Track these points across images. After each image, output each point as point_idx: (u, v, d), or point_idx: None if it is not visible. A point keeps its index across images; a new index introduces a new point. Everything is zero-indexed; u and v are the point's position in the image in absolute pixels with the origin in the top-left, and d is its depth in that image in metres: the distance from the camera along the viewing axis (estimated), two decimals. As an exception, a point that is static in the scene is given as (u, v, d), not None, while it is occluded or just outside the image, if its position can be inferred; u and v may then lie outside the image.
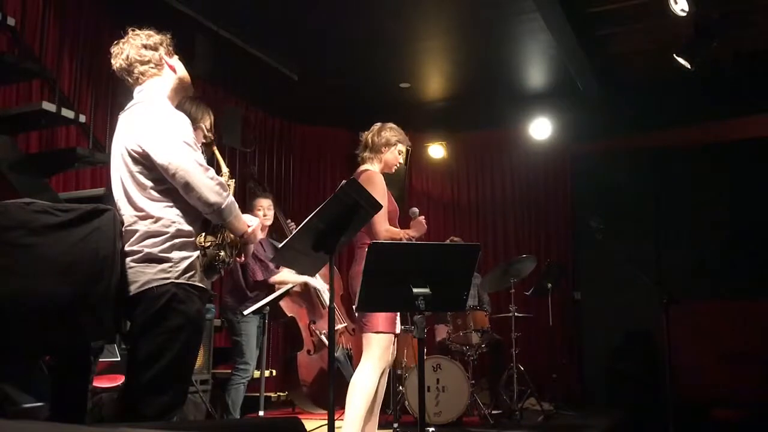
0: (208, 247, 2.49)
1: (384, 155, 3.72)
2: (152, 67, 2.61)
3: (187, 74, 2.72)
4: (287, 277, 4.86)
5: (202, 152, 2.78)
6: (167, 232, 2.44)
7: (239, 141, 6.56)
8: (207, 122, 3.20)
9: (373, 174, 3.63)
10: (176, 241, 2.44)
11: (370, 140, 3.75)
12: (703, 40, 5.28)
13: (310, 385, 5.03)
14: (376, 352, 3.43)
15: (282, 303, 4.95)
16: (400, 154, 3.77)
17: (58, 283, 2.29)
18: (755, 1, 5.41)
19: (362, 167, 3.73)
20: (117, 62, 2.63)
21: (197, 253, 2.48)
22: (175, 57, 2.69)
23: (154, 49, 2.62)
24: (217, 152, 2.86)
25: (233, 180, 2.73)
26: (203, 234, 2.50)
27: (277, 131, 7.67)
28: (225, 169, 2.74)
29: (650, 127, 6.82)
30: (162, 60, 2.63)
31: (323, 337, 5.10)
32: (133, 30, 2.66)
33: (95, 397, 3.88)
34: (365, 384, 3.38)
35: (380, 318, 3.41)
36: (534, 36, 5.92)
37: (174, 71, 2.66)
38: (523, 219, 7.66)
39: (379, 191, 3.49)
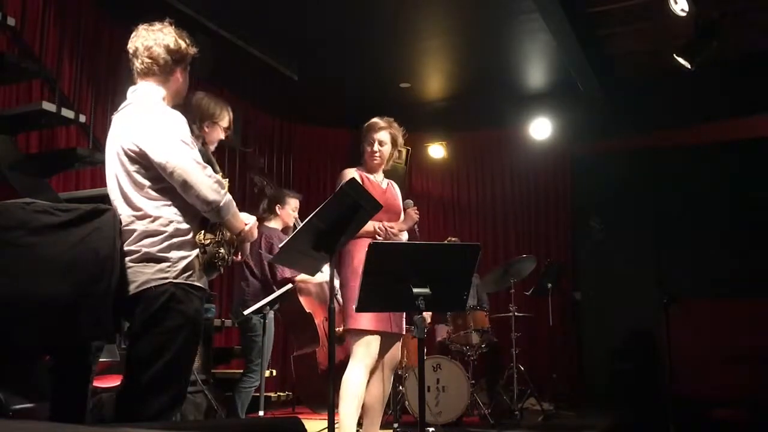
0: (208, 244, 2.49)
1: (364, 154, 3.69)
2: (160, 70, 2.58)
3: (186, 89, 2.71)
4: (310, 277, 4.82)
5: (202, 150, 2.79)
6: (165, 231, 2.43)
7: (239, 141, 6.56)
8: (225, 120, 3.21)
9: (344, 171, 3.63)
10: (174, 240, 2.44)
11: None
12: (703, 40, 5.28)
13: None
14: (357, 351, 3.42)
15: (301, 299, 4.92)
16: (371, 144, 3.64)
17: (58, 283, 2.29)
18: (755, 1, 5.41)
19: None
20: (136, 44, 2.59)
21: (196, 252, 2.48)
22: (186, 75, 2.66)
23: (175, 59, 2.58)
24: (211, 157, 2.88)
25: (226, 179, 2.73)
26: (202, 232, 2.50)
27: (277, 131, 7.67)
28: (217, 169, 2.75)
29: (650, 127, 6.82)
30: (174, 71, 2.60)
31: (336, 331, 5.07)
32: (172, 23, 2.63)
33: (95, 397, 3.88)
34: (348, 384, 3.38)
35: (362, 317, 3.39)
36: (534, 36, 5.93)
37: (177, 83, 2.64)
38: (523, 219, 7.66)
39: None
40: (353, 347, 3.45)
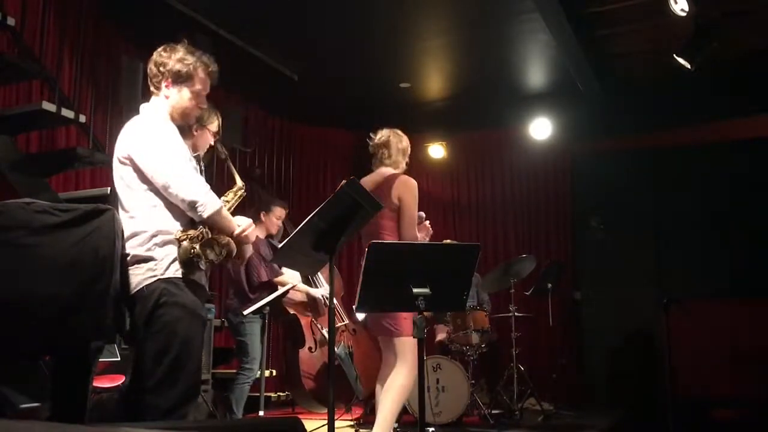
0: (184, 240, 2.54)
1: (405, 160, 3.79)
2: (151, 84, 2.73)
3: (186, 107, 2.74)
4: (289, 279, 4.88)
5: (200, 158, 2.86)
6: (146, 231, 2.53)
7: (239, 141, 6.56)
8: (214, 125, 3.24)
9: (410, 180, 3.65)
10: (157, 239, 2.53)
11: (394, 143, 3.76)
12: (703, 40, 5.28)
13: (313, 382, 5.04)
14: (411, 355, 3.43)
15: (284, 301, 4.95)
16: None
17: (58, 283, 2.30)
18: (755, 1, 5.41)
19: (386, 170, 3.72)
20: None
21: None
22: (178, 89, 2.70)
23: (161, 71, 2.68)
24: (231, 165, 2.99)
25: (242, 190, 2.82)
26: (180, 229, 2.57)
27: (277, 131, 7.67)
28: (240, 183, 2.86)
29: (650, 127, 6.82)
30: (161, 85, 2.70)
31: (325, 333, 5.11)
32: (183, 43, 2.75)
33: (95, 397, 3.88)
34: (404, 387, 3.42)
35: (410, 322, 3.38)
36: (534, 36, 5.92)
37: (175, 99, 2.71)
38: (523, 219, 7.65)
39: (416, 197, 3.58)
40: (407, 353, 3.45)
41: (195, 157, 2.80)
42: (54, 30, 4.81)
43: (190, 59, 2.70)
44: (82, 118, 4.44)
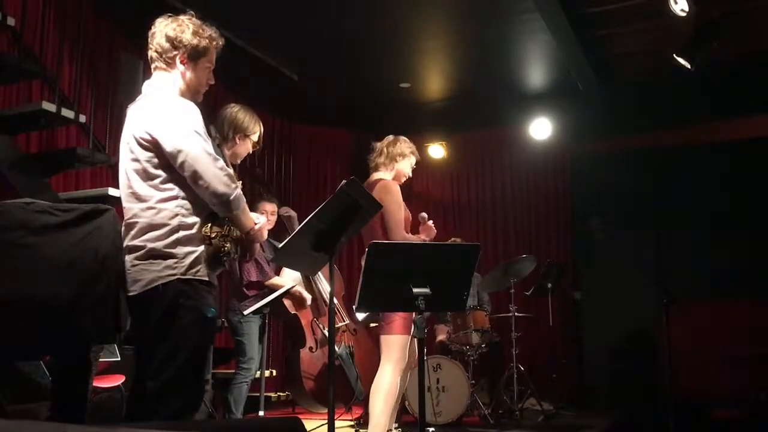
0: (215, 237, 2.42)
1: (398, 165, 3.81)
2: (160, 59, 2.53)
3: (201, 84, 2.59)
4: (282, 282, 4.85)
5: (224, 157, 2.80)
6: (169, 225, 2.37)
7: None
8: (256, 135, 3.21)
9: (389, 183, 3.70)
10: (180, 235, 2.38)
11: (385, 149, 3.83)
12: (703, 40, 5.28)
13: (313, 382, 5.04)
14: (397, 354, 3.48)
15: (285, 301, 4.95)
16: (411, 167, 3.87)
17: (58, 283, 2.29)
18: (755, 1, 5.41)
19: (376, 175, 3.79)
20: (151, 33, 2.56)
21: (202, 247, 2.41)
22: (194, 65, 2.54)
23: (175, 46, 2.51)
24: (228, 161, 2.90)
25: (240, 182, 2.71)
26: (209, 225, 2.43)
27: (277, 131, 7.66)
28: (231, 172, 2.74)
29: (650, 127, 6.82)
30: (175, 60, 2.52)
31: (326, 332, 5.10)
32: (189, 16, 2.58)
33: (95, 397, 3.88)
34: (388, 386, 3.44)
35: (400, 320, 3.45)
36: (534, 36, 5.92)
37: (185, 76, 2.54)
38: (523, 219, 7.66)
39: (396, 200, 3.61)
40: (390, 351, 3.49)
41: None
42: (54, 30, 4.81)
43: (205, 32, 2.56)
44: (82, 118, 4.43)
